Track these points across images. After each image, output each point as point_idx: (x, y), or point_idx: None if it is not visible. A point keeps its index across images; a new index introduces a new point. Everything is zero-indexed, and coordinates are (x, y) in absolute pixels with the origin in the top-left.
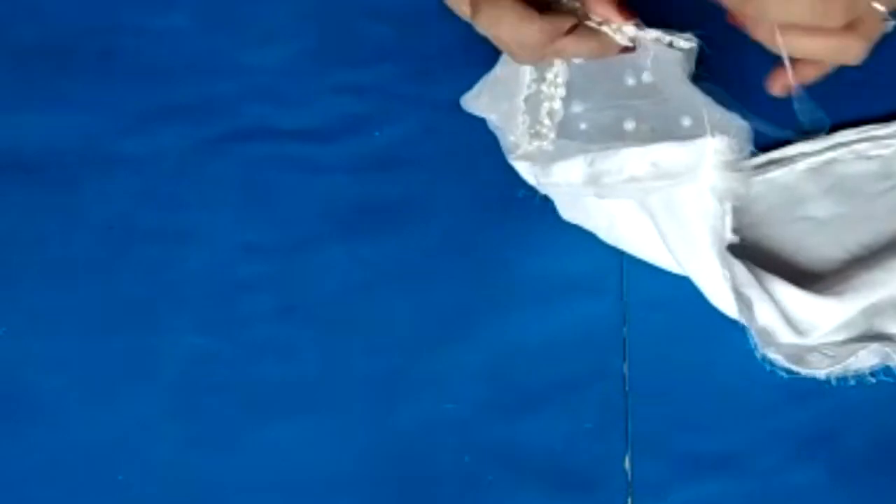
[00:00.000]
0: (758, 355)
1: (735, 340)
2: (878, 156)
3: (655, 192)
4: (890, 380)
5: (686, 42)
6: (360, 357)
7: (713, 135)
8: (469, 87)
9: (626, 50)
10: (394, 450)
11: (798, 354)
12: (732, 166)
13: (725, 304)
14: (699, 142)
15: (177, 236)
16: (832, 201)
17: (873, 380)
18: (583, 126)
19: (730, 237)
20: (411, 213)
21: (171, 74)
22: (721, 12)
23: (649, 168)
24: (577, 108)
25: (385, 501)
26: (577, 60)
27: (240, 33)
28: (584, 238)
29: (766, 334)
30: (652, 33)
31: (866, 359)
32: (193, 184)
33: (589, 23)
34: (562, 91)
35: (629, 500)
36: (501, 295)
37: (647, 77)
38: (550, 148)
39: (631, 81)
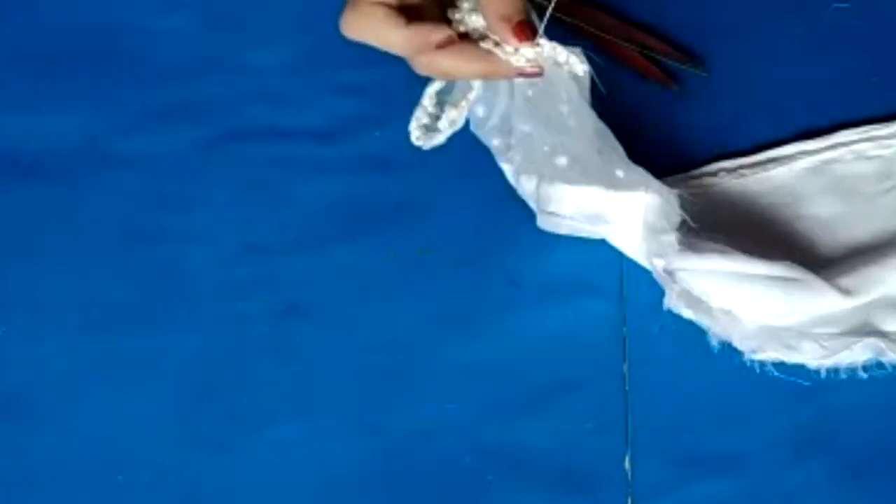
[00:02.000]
0: (746, 361)
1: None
2: (879, 156)
3: (585, 234)
4: (881, 375)
5: (581, 66)
6: (360, 357)
7: (647, 192)
8: None
9: (526, 74)
10: (394, 450)
11: (791, 344)
12: (662, 228)
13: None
14: (632, 194)
15: (177, 236)
16: (832, 200)
17: (865, 375)
18: (537, 154)
19: (675, 288)
20: (411, 212)
21: (172, 74)
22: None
23: (574, 210)
24: (525, 127)
25: (385, 501)
26: (518, 81)
27: (240, 33)
28: (584, 238)
29: (755, 336)
30: (548, 50)
31: (860, 352)
32: (193, 184)
33: (485, 42)
34: (465, 105)
35: (629, 500)
36: (501, 295)
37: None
38: (426, 144)
39: (564, 109)
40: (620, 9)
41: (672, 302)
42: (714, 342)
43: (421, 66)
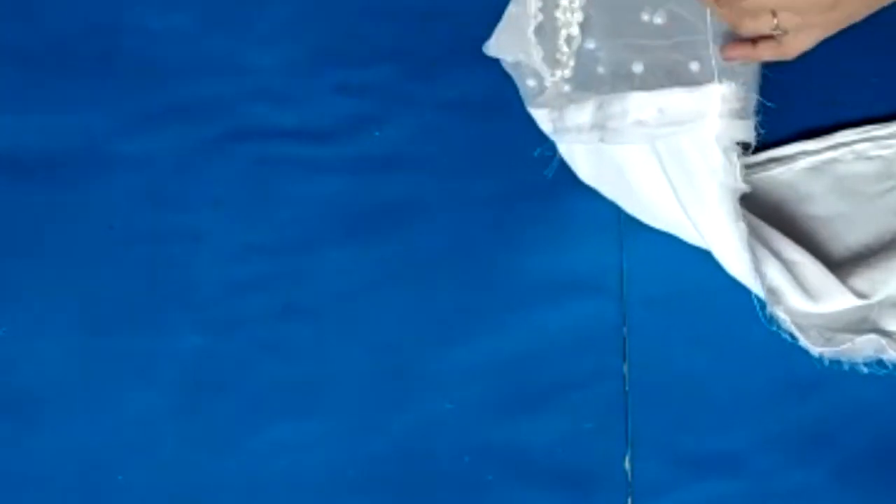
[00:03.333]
0: (766, 313)
1: (735, 340)
2: (879, 156)
3: (661, 139)
4: (882, 375)
5: None
6: (360, 357)
7: (720, 81)
8: (469, 86)
9: None
10: (394, 449)
11: (799, 323)
12: (739, 114)
13: (734, 262)
14: (706, 88)
15: (177, 236)
16: (834, 200)
17: (866, 370)
18: (599, 70)
19: (741, 187)
20: (411, 212)
21: (171, 74)
22: None
23: (655, 114)
24: (590, 44)
25: (385, 501)
26: None
27: (240, 33)
28: (585, 238)
29: (775, 295)
30: None
31: (861, 347)
32: (193, 184)
33: None
34: (578, 16)
35: (629, 500)
36: (502, 295)
37: (659, 18)
38: (569, 76)
39: (646, 17)
40: None
41: (733, 206)
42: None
43: None
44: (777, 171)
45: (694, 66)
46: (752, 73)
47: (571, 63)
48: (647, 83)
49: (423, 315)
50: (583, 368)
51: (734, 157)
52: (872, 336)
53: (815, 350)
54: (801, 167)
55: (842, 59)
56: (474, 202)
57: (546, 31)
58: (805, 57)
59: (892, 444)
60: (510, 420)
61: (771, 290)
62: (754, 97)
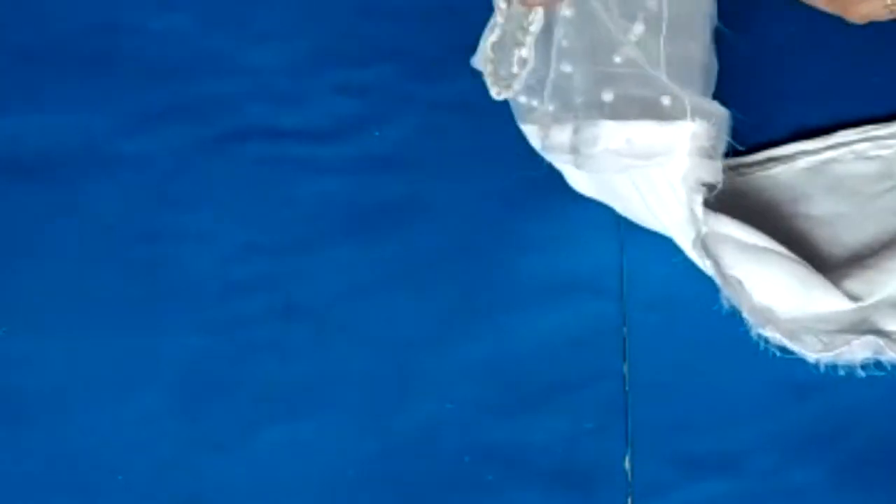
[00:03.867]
0: (753, 335)
1: (735, 340)
2: (879, 156)
3: (631, 169)
4: (881, 375)
5: None
6: (360, 357)
7: (693, 119)
8: (469, 86)
9: None
10: (393, 449)
11: (794, 331)
12: (708, 153)
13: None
14: (677, 124)
15: (177, 236)
16: (833, 200)
17: (863, 373)
18: (574, 94)
19: (703, 230)
20: (411, 213)
21: (171, 74)
22: None
23: (624, 144)
24: (566, 67)
25: (385, 501)
26: (565, 13)
27: (240, 33)
28: (585, 238)
29: (762, 312)
30: None
31: (859, 350)
32: (193, 184)
33: None
34: (531, 39)
35: (629, 500)
36: (501, 295)
37: (632, 52)
38: (513, 96)
39: (617, 56)
40: None
41: (695, 246)
42: (724, 303)
43: None
44: (776, 171)
45: (665, 101)
46: (723, 115)
47: (516, 87)
48: (618, 113)
49: (423, 315)
50: (583, 368)
51: (699, 199)
52: (870, 337)
53: (812, 357)
54: (801, 167)
55: (842, 59)
56: (474, 202)
57: (504, 47)
58: (805, 56)
59: (891, 444)
60: (510, 420)
61: (755, 311)
62: (724, 139)
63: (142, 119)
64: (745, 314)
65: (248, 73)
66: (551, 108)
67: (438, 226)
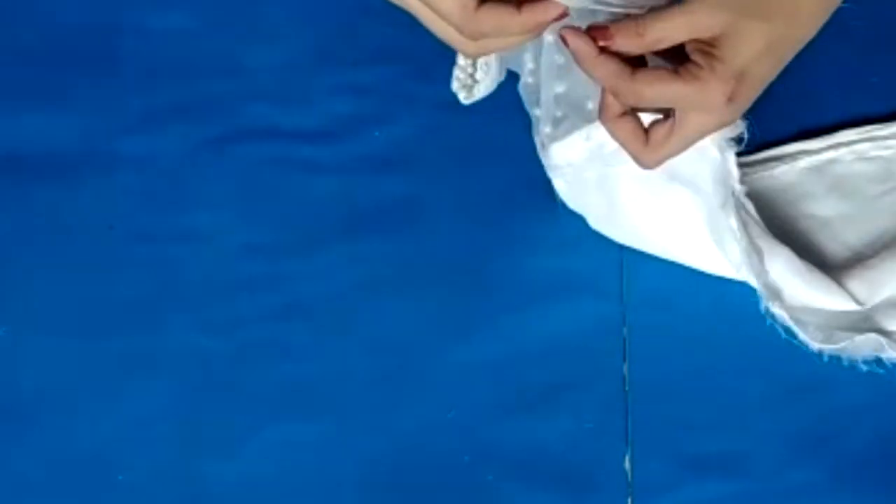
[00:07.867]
0: (762, 308)
1: (735, 340)
2: (879, 157)
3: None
4: (881, 374)
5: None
6: (360, 357)
7: None
8: None
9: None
10: (394, 450)
11: (799, 318)
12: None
13: (724, 264)
14: None
15: (177, 236)
16: (834, 200)
17: (865, 368)
18: (559, 113)
19: (738, 187)
20: (411, 213)
21: (171, 74)
22: None
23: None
24: (559, 88)
25: (385, 501)
26: (548, 38)
27: (240, 33)
28: (584, 238)
29: (774, 290)
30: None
31: (861, 345)
32: (193, 184)
33: None
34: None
35: (629, 500)
36: (501, 295)
37: None
38: (474, 95)
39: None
40: None
41: (726, 206)
42: (737, 274)
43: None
44: (777, 171)
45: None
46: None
47: (476, 94)
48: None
49: (423, 315)
50: (583, 368)
51: (731, 156)
52: (872, 335)
53: (815, 346)
54: (802, 167)
55: (841, 59)
56: (474, 202)
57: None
58: (805, 56)
59: (891, 444)
60: (510, 420)
61: (768, 286)
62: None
63: (142, 119)
64: (758, 285)
65: (248, 73)
66: (548, 129)
67: (438, 226)
